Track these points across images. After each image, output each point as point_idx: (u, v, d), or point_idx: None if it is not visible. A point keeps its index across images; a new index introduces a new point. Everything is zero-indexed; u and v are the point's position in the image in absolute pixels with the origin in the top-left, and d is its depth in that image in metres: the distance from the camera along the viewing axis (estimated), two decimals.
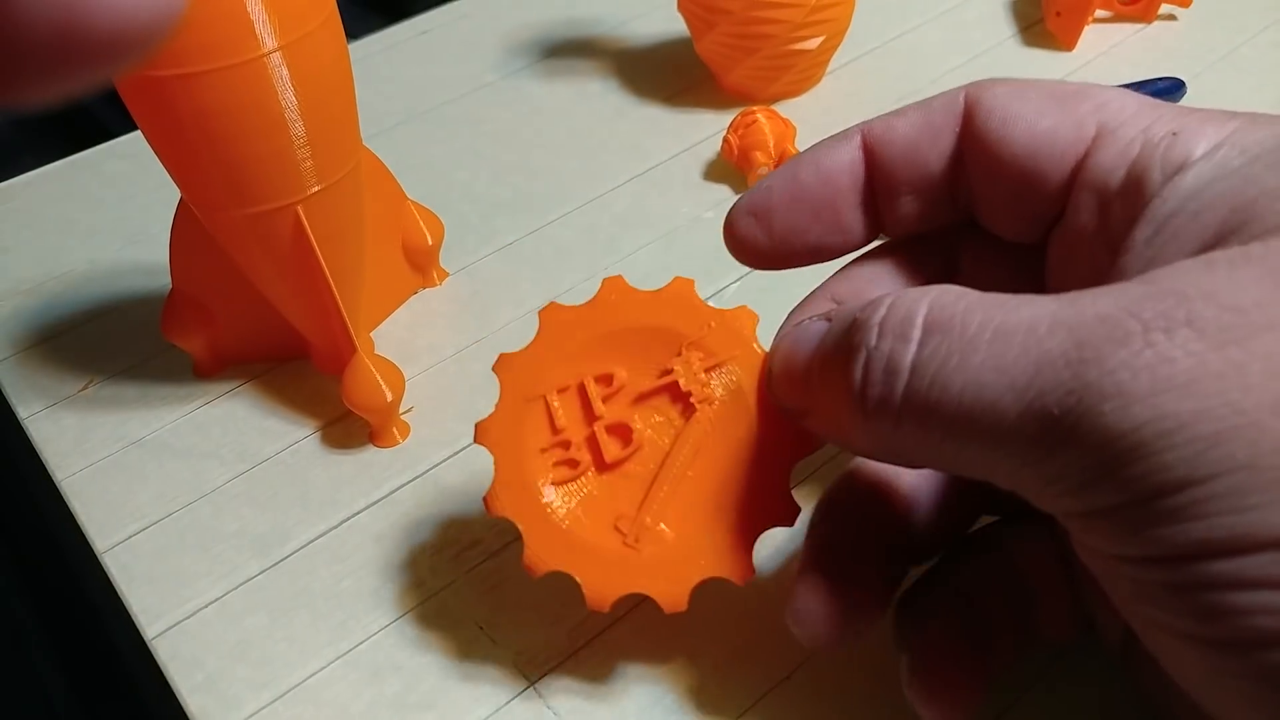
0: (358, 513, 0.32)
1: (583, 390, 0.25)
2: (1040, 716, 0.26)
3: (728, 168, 0.45)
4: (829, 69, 0.50)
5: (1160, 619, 0.18)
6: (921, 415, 0.20)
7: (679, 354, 0.25)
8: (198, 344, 0.37)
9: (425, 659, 0.28)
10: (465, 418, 0.35)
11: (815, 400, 0.22)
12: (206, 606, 0.30)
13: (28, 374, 0.39)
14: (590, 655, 0.28)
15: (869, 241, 0.26)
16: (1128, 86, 0.43)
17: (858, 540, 0.24)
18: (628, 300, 0.25)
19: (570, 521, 0.25)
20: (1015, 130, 0.23)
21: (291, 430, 0.35)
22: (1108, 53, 0.49)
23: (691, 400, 0.25)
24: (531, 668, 0.28)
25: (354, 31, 0.60)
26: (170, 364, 0.38)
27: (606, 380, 0.25)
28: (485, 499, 0.25)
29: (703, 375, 0.25)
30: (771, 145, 0.42)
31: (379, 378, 0.33)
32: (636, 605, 0.29)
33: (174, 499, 0.34)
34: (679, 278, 0.26)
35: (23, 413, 0.38)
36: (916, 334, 0.20)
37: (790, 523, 0.24)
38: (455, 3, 0.60)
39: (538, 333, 0.26)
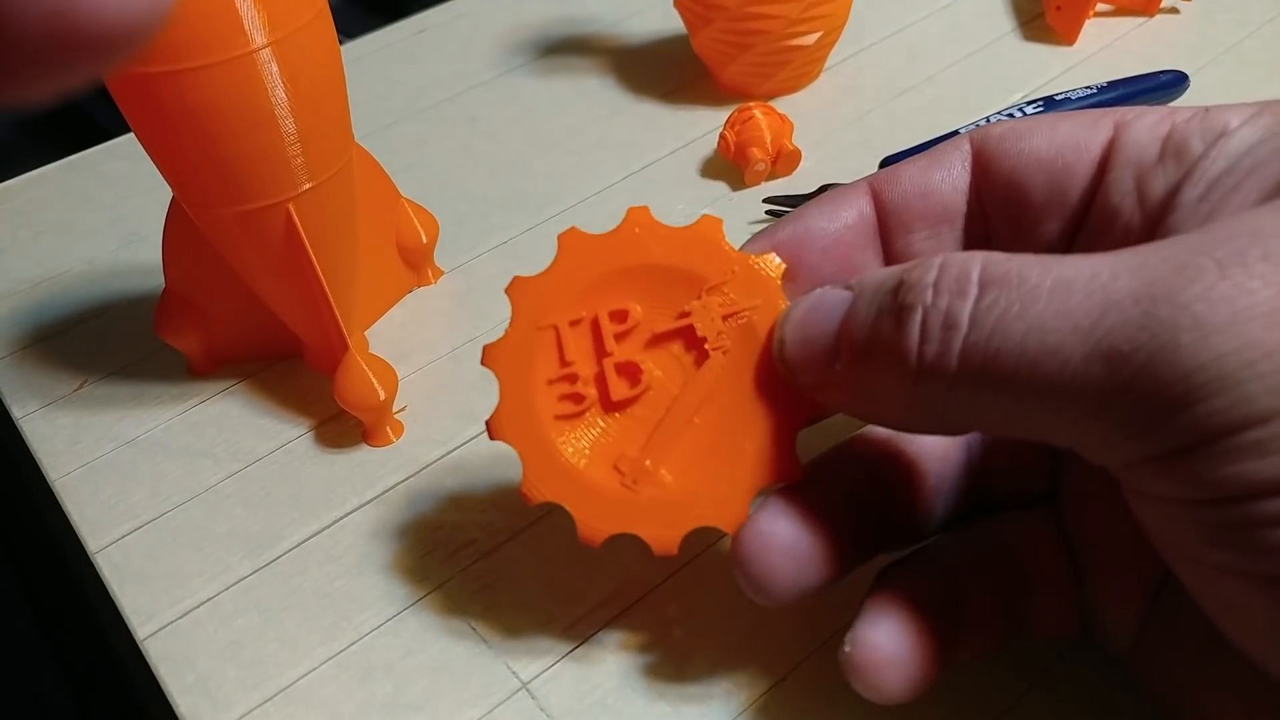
0: (350, 512, 0.32)
1: (596, 324, 0.24)
2: (1042, 716, 0.25)
3: (725, 164, 0.44)
4: (826, 65, 0.50)
5: (1234, 562, 0.17)
6: (980, 369, 0.19)
7: (699, 297, 0.24)
8: (191, 343, 0.37)
9: (417, 660, 0.28)
10: (460, 417, 0.35)
11: (844, 372, 0.21)
12: (199, 607, 0.30)
13: (23, 374, 0.39)
14: (583, 656, 0.28)
15: None
16: (1129, 80, 0.43)
17: (836, 500, 0.23)
18: (651, 234, 0.25)
19: (570, 455, 0.24)
20: (1035, 139, 0.24)
21: (285, 429, 0.35)
22: (1109, 46, 0.48)
23: (706, 346, 0.24)
24: (524, 668, 0.27)
25: (351, 31, 0.60)
26: (164, 363, 0.38)
27: (621, 316, 0.24)
28: (488, 423, 0.25)
29: (721, 323, 0.24)
30: (769, 141, 0.42)
31: (372, 376, 0.33)
32: (631, 605, 0.28)
33: (167, 499, 0.33)
34: (707, 216, 0.25)
35: (17, 412, 0.37)
36: (973, 289, 0.19)
37: (792, 480, 0.23)
38: (452, 1, 0.60)
39: (555, 259, 0.25)
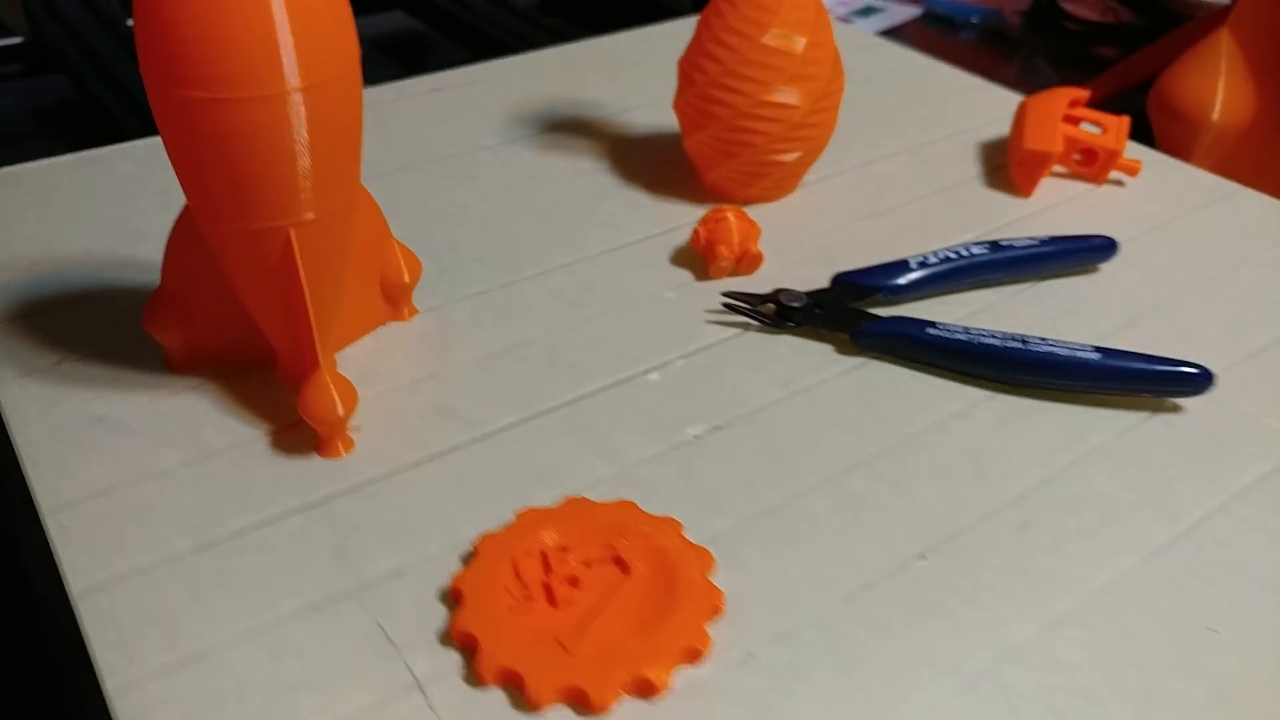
0: (292, 511, 0.35)
1: (545, 555, 0.32)
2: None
3: (694, 256, 0.48)
4: (803, 182, 0.54)
5: None
6: None
7: (624, 536, 0.33)
8: (174, 339, 0.40)
9: (325, 648, 0.30)
10: (407, 442, 0.38)
11: None
12: (134, 575, 0.32)
13: (7, 344, 0.42)
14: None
15: None
16: (1067, 238, 0.47)
17: None
18: (584, 509, 0.34)
19: (519, 633, 0.30)
20: None
21: (245, 429, 0.38)
22: (1058, 205, 0.53)
23: (629, 564, 0.32)
24: (420, 668, 0.30)
25: (371, 77, 0.64)
26: (144, 354, 0.41)
27: (562, 549, 0.33)
28: (451, 623, 0.31)
29: (640, 551, 0.32)
30: (736, 242, 0.46)
31: (335, 393, 0.36)
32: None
33: (123, 475, 0.36)
34: (624, 501, 0.35)
35: None
36: None
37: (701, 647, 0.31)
38: (471, 67, 0.65)
39: (512, 524, 0.34)
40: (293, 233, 0.34)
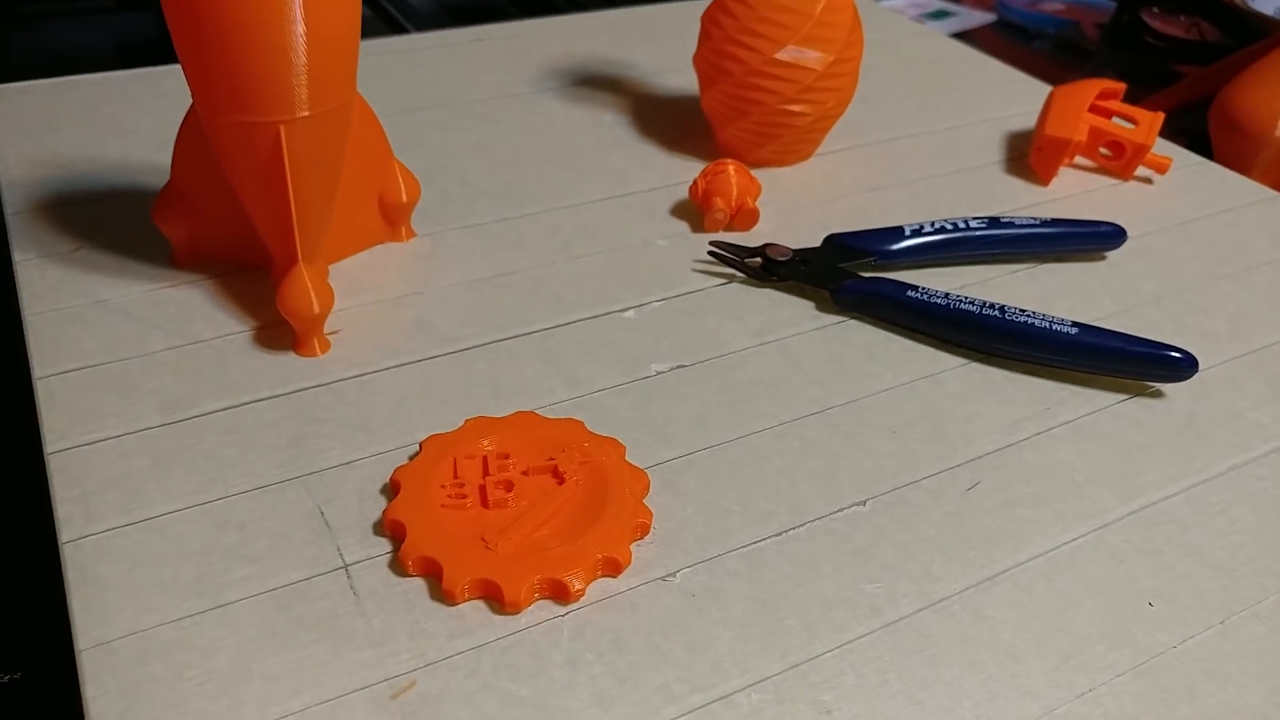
0: (260, 399, 0.36)
1: (485, 459, 0.33)
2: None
3: (693, 209, 0.49)
4: (819, 151, 0.54)
5: None
6: None
7: (564, 450, 0.34)
8: (179, 232, 0.41)
9: (267, 524, 0.32)
10: (382, 349, 0.39)
11: None
12: (104, 440, 0.34)
13: (33, 228, 0.44)
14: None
15: None
16: (1072, 221, 0.46)
17: None
18: (531, 422, 0.35)
19: (446, 527, 0.31)
20: None
21: (231, 323, 0.40)
22: (1078, 196, 0.52)
23: (565, 476, 0.33)
24: (351, 554, 0.31)
25: (421, 25, 0.66)
26: (153, 249, 0.43)
27: (504, 456, 0.33)
28: (385, 511, 0.32)
29: (577, 465, 0.33)
30: (733, 195, 0.46)
31: (311, 290, 0.37)
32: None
33: (113, 352, 0.38)
34: (572, 419, 0.35)
35: (17, 256, 0.42)
36: None
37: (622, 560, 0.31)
38: (516, 22, 0.66)
39: (460, 427, 0.35)
40: (283, 129, 0.36)
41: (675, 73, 0.61)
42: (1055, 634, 0.30)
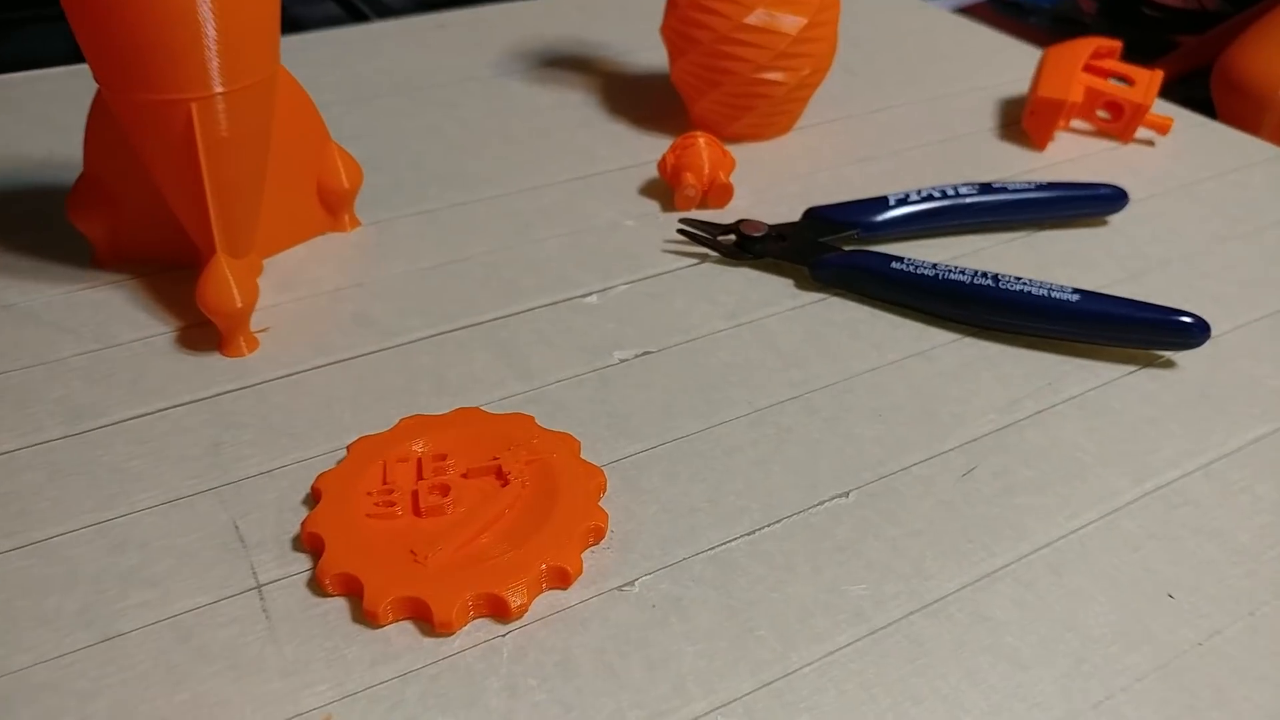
0: (176, 405, 0.33)
1: (419, 461, 0.30)
2: None
3: (664, 188, 0.45)
4: (799, 125, 0.50)
5: None
6: None
7: (508, 449, 0.30)
8: (98, 229, 0.38)
9: (171, 542, 0.28)
10: (315, 346, 0.35)
11: None
12: None
13: None
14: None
15: None
16: (1069, 184, 0.43)
17: None
18: (475, 418, 0.31)
19: (371, 539, 0.27)
20: None
21: (153, 325, 0.36)
22: (1075, 160, 0.48)
23: (509, 477, 0.29)
24: (266, 572, 0.27)
25: (383, 12, 0.63)
26: (74, 250, 0.40)
27: (441, 457, 0.30)
28: (302, 523, 0.28)
29: (524, 465, 0.29)
30: (706, 170, 0.43)
31: (233, 283, 0.34)
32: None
33: (15, 360, 0.34)
34: (520, 414, 0.32)
35: None
36: None
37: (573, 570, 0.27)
38: (480, 8, 0.63)
39: (393, 428, 0.31)
40: (195, 108, 0.32)
41: (646, 51, 0.58)
42: (1065, 635, 0.27)
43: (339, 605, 0.27)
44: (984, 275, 0.36)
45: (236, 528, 0.29)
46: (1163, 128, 0.49)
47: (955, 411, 0.33)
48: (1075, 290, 0.35)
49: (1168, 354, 0.36)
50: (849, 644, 0.26)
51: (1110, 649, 0.26)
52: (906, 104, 0.54)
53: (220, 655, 0.25)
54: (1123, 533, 0.29)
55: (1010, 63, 0.58)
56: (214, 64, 0.32)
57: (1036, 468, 0.31)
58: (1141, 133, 0.50)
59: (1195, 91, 0.73)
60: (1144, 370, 0.35)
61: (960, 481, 0.31)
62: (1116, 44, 0.51)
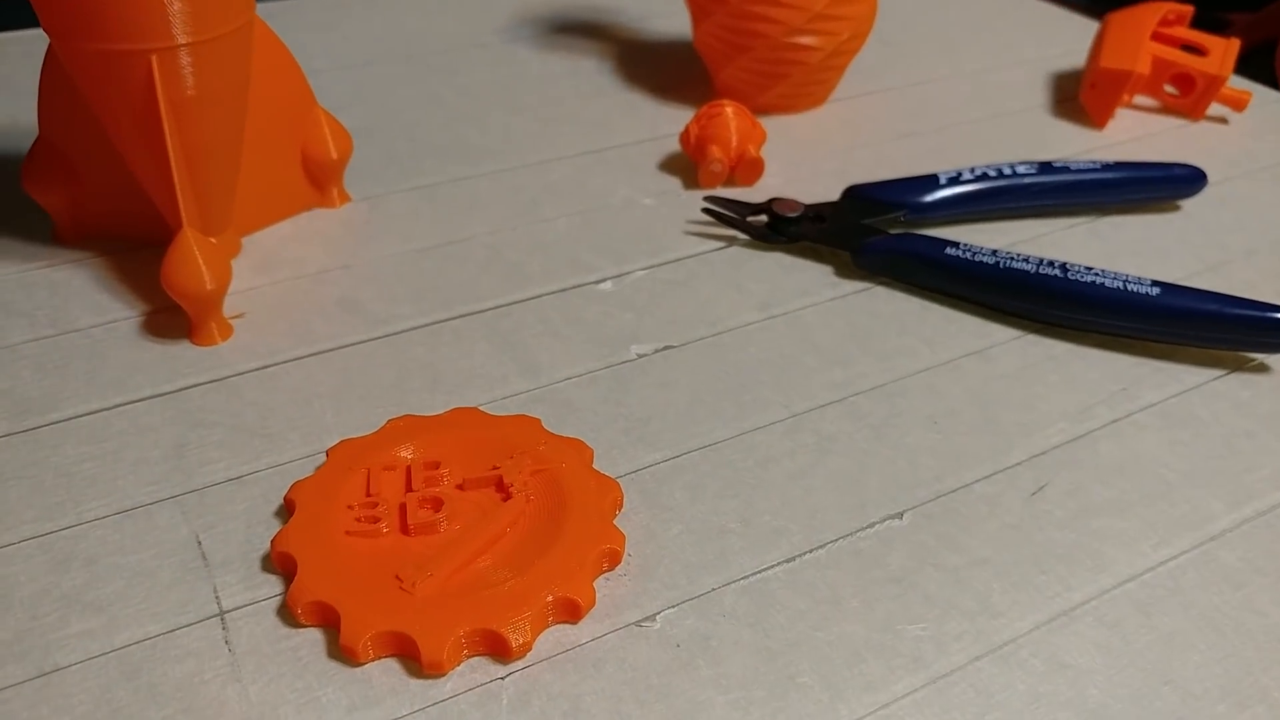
0: (137, 400, 0.29)
1: (409, 470, 0.26)
2: None
3: (687, 162, 0.41)
4: (834, 96, 0.46)
5: None
6: None
7: (511, 457, 0.26)
8: (56, 200, 0.34)
9: (125, 559, 0.24)
10: (293, 334, 0.31)
11: None
12: None
13: None
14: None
15: None
16: (1140, 164, 0.39)
17: None
18: (473, 420, 0.28)
19: (351, 561, 0.24)
20: None
21: (117, 309, 0.32)
22: (1140, 139, 0.44)
23: (511, 490, 0.25)
24: (230, 597, 0.24)
25: None
26: (33, 225, 0.36)
27: (433, 465, 0.26)
28: (272, 540, 0.24)
29: (528, 475, 0.26)
30: (733, 142, 0.39)
31: (202, 262, 0.30)
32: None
33: None
34: (525, 416, 0.28)
35: None
36: None
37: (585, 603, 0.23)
38: None
39: (381, 429, 0.27)
40: (155, 60, 0.28)
41: (664, 16, 0.54)
42: (1159, 688, 0.23)
43: (313, 637, 0.23)
44: (1050, 264, 0.32)
45: (199, 543, 0.25)
46: (1239, 103, 0.45)
47: (1020, 420, 0.29)
48: (1155, 283, 0.31)
49: (1260, 357, 0.32)
50: (906, 694, 0.22)
51: (1216, 708, 0.22)
52: (948, 77, 0.49)
53: (174, 695, 0.22)
54: (1222, 566, 0.25)
55: (1057, 34, 0.54)
56: (177, 9, 0.28)
57: (1115, 486, 0.27)
58: (1213, 110, 0.46)
59: (1254, 71, 0.69)
60: (1233, 375, 0.31)
61: (1029, 501, 0.27)
62: (1188, 9, 0.46)
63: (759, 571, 0.25)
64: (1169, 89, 0.46)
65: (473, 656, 0.23)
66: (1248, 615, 0.24)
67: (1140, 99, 0.47)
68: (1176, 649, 0.23)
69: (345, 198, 0.38)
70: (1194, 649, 0.23)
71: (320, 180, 0.37)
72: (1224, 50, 0.44)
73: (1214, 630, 0.24)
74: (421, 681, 0.22)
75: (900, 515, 0.26)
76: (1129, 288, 0.31)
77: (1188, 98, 0.45)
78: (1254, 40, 0.78)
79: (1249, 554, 0.26)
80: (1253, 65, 0.71)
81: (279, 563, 0.24)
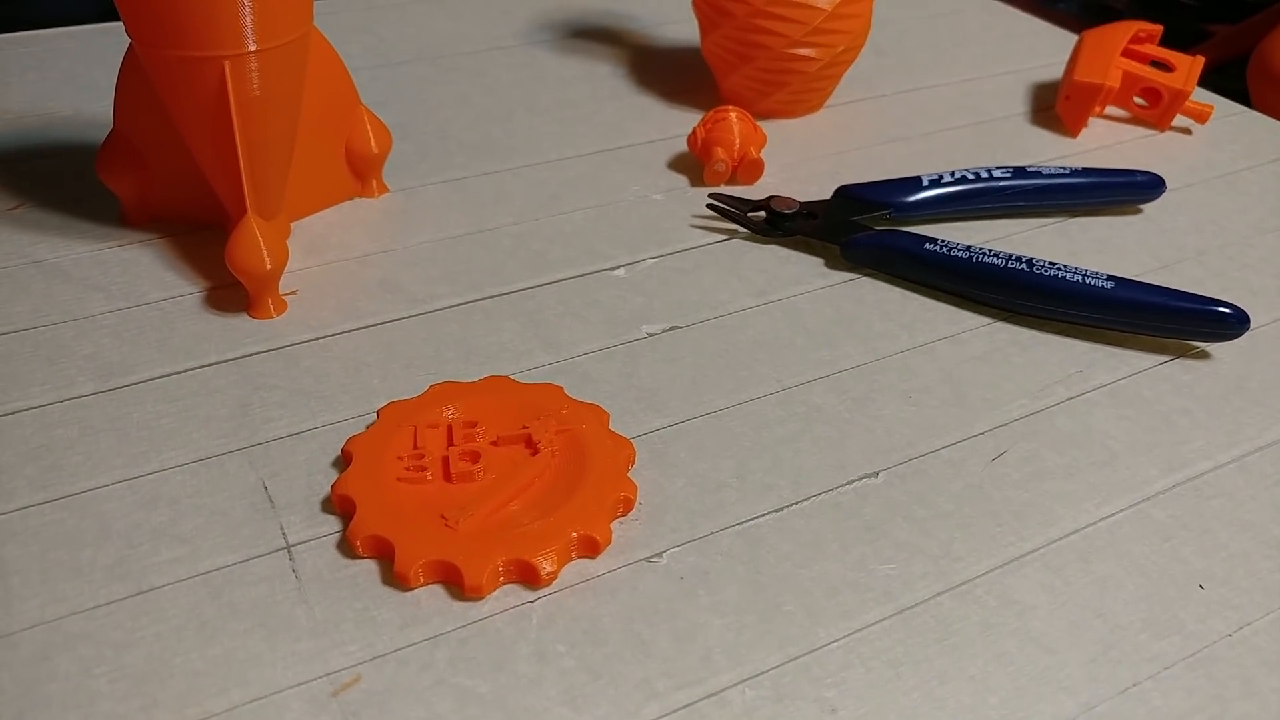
0: (205, 365, 0.33)
1: (450, 428, 0.30)
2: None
3: (693, 162, 0.45)
4: (829, 103, 0.50)
5: None
6: None
7: (538, 418, 0.30)
8: (127, 187, 0.38)
9: (202, 500, 0.28)
10: (343, 311, 0.35)
11: None
12: (26, 410, 0.31)
13: None
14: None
15: None
16: (1104, 170, 0.42)
17: None
18: (504, 387, 0.31)
19: (402, 503, 0.27)
20: None
21: (181, 284, 0.36)
22: (1110, 148, 0.48)
23: (539, 446, 0.29)
24: (295, 533, 0.27)
25: None
26: (102, 207, 0.40)
27: (471, 424, 0.30)
28: (333, 485, 0.28)
29: (554, 435, 0.29)
30: (736, 145, 0.43)
31: (263, 244, 0.33)
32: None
33: (46, 316, 0.34)
34: (550, 384, 0.32)
35: None
36: None
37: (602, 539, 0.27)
38: None
39: (423, 393, 0.31)
40: (228, 65, 0.32)
41: (676, 24, 0.57)
42: (1093, 621, 0.26)
43: (368, 568, 0.27)
44: (1018, 259, 0.36)
45: (265, 488, 0.29)
46: (1202, 116, 0.49)
47: (985, 396, 0.33)
48: (1110, 277, 0.35)
49: (1202, 345, 0.36)
50: (876, 622, 0.26)
51: (1139, 637, 0.26)
52: (937, 86, 0.53)
53: (251, 613, 0.25)
54: (1153, 522, 0.29)
55: (1042, 47, 0.58)
56: (248, 21, 0.32)
57: (1066, 454, 0.31)
58: (1178, 121, 0.50)
59: (1229, 81, 0.73)
60: (1177, 360, 0.35)
61: (990, 466, 0.31)
62: (1157, 28, 0.50)
63: (752, 519, 0.29)
64: (1138, 101, 0.50)
65: (507, 583, 0.26)
66: (1172, 563, 0.28)
67: (1111, 110, 0.50)
68: (1109, 589, 0.27)
69: (384, 189, 0.42)
70: (1123, 589, 0.27)
71: (362, 172, 0.40)
72: (1189, 67, 0.48)
73: (1141, 574, 0.28)
74: (463, 604, 0.26)
75: (876, 474, 0.30)
76: (1087, 281, 0.35)
77: (1155, 110, 0.49)
78: (1234, 52, 0.81)
79: (1178, 512, 0.30)
80: (1229, 75, 0.75)
81: (339, 504, 0.28)
